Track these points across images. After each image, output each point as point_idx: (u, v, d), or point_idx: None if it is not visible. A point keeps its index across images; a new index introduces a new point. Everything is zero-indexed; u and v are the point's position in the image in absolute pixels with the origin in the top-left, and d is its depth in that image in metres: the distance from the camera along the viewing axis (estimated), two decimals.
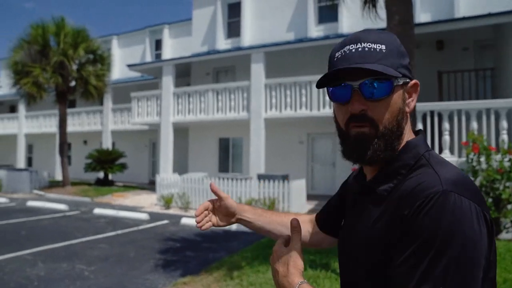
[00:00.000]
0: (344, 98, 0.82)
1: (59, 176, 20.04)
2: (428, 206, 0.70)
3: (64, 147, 15.02)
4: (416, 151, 0.81)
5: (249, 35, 14.68)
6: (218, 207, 1.14)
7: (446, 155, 7.89)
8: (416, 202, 0.71)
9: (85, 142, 21.36)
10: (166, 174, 13.09)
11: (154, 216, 9.99)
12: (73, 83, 15.16)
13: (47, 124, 21.10)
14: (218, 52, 14.03)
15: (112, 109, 18.48)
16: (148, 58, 19.44)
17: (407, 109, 0.83)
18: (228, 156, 14.86)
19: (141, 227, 8.68)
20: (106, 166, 15.66)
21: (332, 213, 1.11)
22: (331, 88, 0.84)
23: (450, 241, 0.67)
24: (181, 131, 15.56)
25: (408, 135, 0.85)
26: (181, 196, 11.16)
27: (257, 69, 12.64)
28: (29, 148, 23.79)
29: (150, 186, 17.13)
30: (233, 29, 15.16)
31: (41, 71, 13.79)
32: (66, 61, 13.68)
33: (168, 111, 14.07)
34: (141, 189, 15.65)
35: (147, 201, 12.75)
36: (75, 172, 20.04)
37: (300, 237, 0.87)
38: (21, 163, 22.06)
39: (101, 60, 15.25)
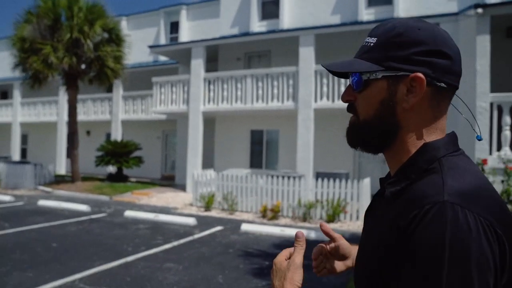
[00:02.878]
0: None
1: (61, 170, 18.19)
2: (423, 219, 0.64)
3: (75, 138, 13.23)
4: (432, 154, 0.74)
5: (288, 17, 13.11)
6: (332, 249, 0.98)
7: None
8: (411, 212, 0.66)
9: (87, 132, 19.48)
10: (198, 170, 11.49)
11: (199, 221, 8.44)
12: (83, 66, 13.36)
13: (47, 112, 19.12)
14: (260, 33, 12.43)
15: (123, 96, 16.68)
16: (163, 41, 17.65)
17: (405, 105, 0.75)
18: (262, 150, 13.33)
19: (196, 236, 7.12)
20: (121, 159, 13.93)
21: None
22: None
23: (442, 263, 0.61)
24: (207, 122, 13.92)
25: (428, 135, 0.76)
26: (225, 196, 9.61)
27: (306, 54, 11.15)
28: (23, 139, 21.73)
29: (168, 182, 15.51)
30: (269, 10, 13.56)
31: (52, 49, 11.94)
32: (82, 39, 11.86)
33: (198, 98, 12.45)
34: (161, 185, 14.00)
35: (177, 201, 11.16)
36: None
37: (302, 251, 0.83)
38: (15, 155, 20.03)
39: (118, 40, 13.47)
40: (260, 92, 11.61)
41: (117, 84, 15.83)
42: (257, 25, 13.58)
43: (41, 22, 11.98)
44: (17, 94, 19.95)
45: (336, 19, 12.49)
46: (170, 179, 16.37)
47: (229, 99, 12.05)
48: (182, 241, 6.71)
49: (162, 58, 17.34)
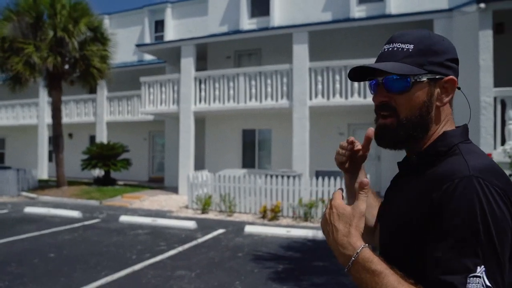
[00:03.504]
0: (374, 90, 0.94)
1: (43, 175, 17.49)
2: (455, 189, 0.76)
3: (60, 141, 12.69)
4: (450, 141, 0.88)
5: (278, 14, 12.96)
6: (356, 152, 1.14)
7: None
8: (443, 185, 0.78)
9: (70, 135, 18.78)
10: (191, 172, 11.19)
11: (199, 224, 8.17)
12: (66, 66, 12.81)
13: (26, 115, 18.34)
14: (252, 31, 12.21)
15: (107, 97, 16.15)
16: (147, 40, 17.21)
17: (439, 103, 0.90)
18: (254, 150, 13.13)
19: (200, 240, 6.87)
20: (109, 162, 13.46)
21: None
22: (368, 82, 0.96)
23: (476, 223, 0.73)
24: (197, 123, 13.60)
25: (447, 127, 0.91)
26: (223, 197, 9.38)
27: (300, 51, 11.01)
28: (1, 143, 20.83)
29: (156, 184, 15.10)
30: (259, 7, 13.36)
31: (34, 49, 11.38)
32: (67, 38, 11.35)
33: (188, 98, 12.14)
34: (151, 188, 13.60)
35: (171, 204, 10.83)
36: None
37: (366, 198, 0.86)
38: None
39: (103, 39, 12.98)
40: (253, 90, 11.41)
41: (101, 84, 15.28)
42: (247, 23, 13.37)
43: (22, 20, 11.40)
44: None
45: (327, 16, 12.41)
46: (158, 181, 15.97)
47: (221, 99, 11.80)
48: (186, 246, 6.45)
49: (148, 58, 16.90)
